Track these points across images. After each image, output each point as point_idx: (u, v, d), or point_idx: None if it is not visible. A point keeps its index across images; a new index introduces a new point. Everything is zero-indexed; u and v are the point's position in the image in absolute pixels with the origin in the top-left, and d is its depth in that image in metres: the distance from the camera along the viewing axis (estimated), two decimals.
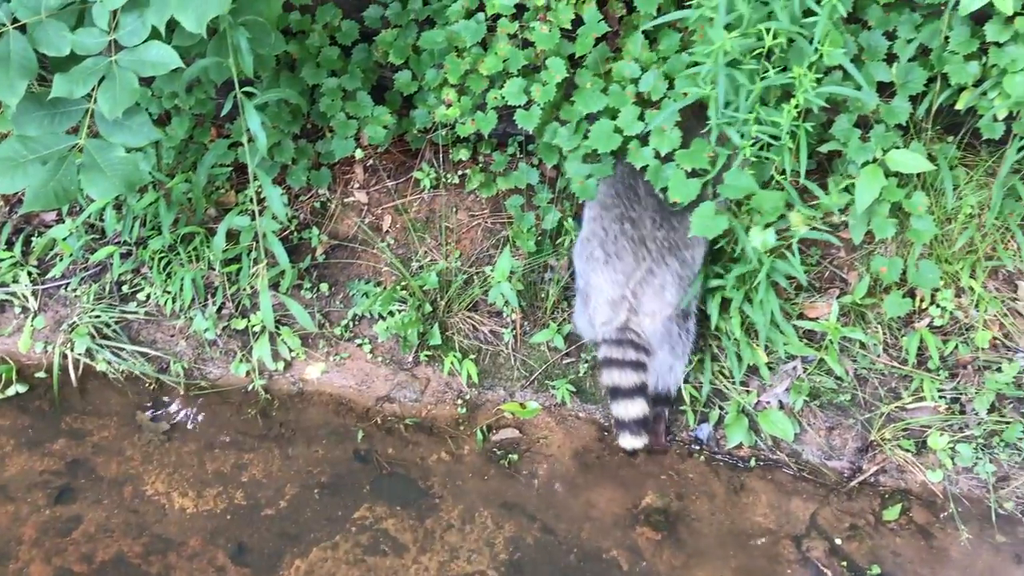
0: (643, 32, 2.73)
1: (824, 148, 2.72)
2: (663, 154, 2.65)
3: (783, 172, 2.60)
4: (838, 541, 2.69)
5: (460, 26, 2.83)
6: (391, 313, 3.06)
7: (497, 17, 2.81)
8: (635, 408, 2.73)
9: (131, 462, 2.95)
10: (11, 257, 3.29)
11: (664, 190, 2.66)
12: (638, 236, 2.75)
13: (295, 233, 3.29)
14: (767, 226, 2.61)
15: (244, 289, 3.17)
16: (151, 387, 3.14)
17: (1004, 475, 2.74)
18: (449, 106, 2.88)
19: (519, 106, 2.78)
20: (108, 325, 3.16)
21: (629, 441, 2.76)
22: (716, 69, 2.42)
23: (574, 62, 2.82)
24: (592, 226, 2.82)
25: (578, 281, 2.90)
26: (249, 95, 2.62)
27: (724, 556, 2.69)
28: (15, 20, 2.25)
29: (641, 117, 2.67)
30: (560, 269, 3.08)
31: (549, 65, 2.75)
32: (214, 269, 3.18)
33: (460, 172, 3.25)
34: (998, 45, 2.50)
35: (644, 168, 2.68)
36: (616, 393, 2.75)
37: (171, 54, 2.28)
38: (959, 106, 2.68)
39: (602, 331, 2.77)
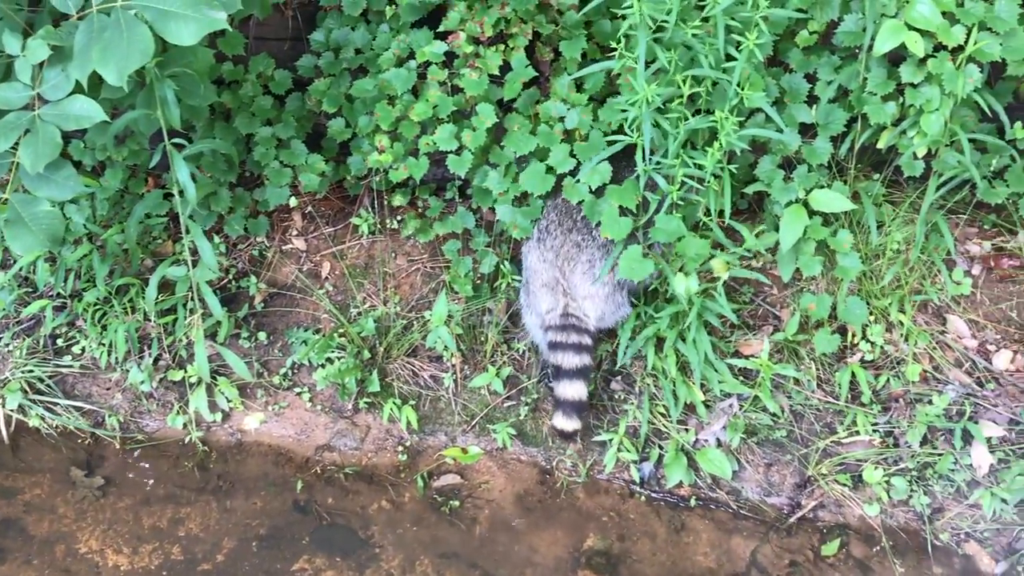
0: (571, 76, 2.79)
1: (749, 189, 2.77)
2: (594, 188, 2.71)
3: (710, 213, 2.64)
4: None
5: (391, 74, 2.86)
6: (329, 361, 3.04)
7: (427, 65, 2.85)
8: (573, 389, 2.78)
9: (64, 520, 2.88)
10: None
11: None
12: (566, 208, 2.84)
13: (233, 282, 3.27)
14: (697, 269, 2.65)
15: (180, 340, 3.13)
16: (86, 442, 3.08)
17: (939, 507, 2.77)
18: (382, 152, 2.89)
19: (451, 151, 2.81)
20: (42, 380, 3.11)
21: (562, 422, 2.79)
22: (641, 116, 2.46)
23: (504, 107, 2.86)
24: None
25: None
26: (180, 146, 2.62)
27: None
28: None
29: (572, 154, 2.73)
30: (498, 312, 3.09)
31: (479, 111, 2.79)
32: (150, 320, 3.14)
33: (398, 217, 3.26)
34: (913, 86, 2.58)
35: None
36: (559, 373, 2.80)
37: (95, 107, 2.27)
38: (880, 145, 2.74)
39: (547, 319, 2.83)
